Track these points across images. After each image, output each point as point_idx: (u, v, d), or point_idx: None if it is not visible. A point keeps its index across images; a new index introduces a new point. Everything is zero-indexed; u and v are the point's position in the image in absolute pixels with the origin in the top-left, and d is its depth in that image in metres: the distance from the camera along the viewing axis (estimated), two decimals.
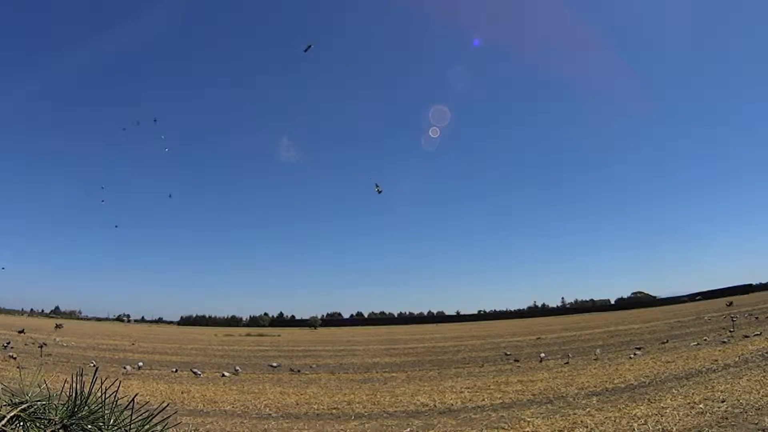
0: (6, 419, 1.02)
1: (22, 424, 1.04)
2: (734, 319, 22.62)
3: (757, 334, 15.39)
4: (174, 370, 15.90)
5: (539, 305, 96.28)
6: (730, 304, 35.69)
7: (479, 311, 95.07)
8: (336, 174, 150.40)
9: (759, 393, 7.57)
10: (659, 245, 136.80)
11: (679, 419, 6.57)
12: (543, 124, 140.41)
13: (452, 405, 9.22)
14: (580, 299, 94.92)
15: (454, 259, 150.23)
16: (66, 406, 1.09)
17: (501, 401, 9.25)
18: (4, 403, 1.08)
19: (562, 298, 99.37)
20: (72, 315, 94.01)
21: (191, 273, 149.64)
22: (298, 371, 15.85)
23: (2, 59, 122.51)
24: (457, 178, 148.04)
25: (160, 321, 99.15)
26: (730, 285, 67.04)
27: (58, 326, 36.11)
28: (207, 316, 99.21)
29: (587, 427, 6.76)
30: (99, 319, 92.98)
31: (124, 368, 15.12)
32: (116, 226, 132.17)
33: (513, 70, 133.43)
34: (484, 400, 9.49)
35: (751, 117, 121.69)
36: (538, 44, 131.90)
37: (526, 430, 6.98)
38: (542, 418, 7.55)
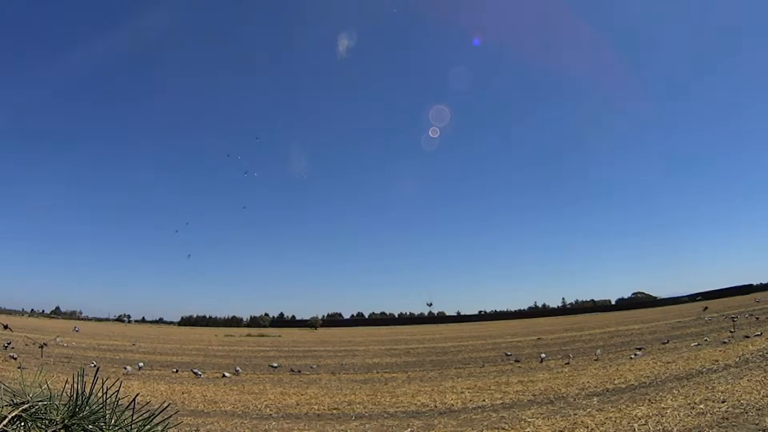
0: (7, 419, 1.02)
1: (23, 424, 1.04)
2: (734, 319, 22.61)
3: (758, 335, 15.38)
4: (174, 370, 15.91)
5: (540, 305, 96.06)
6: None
7: (480, 312, 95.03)
8: (335, 174, 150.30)
9: (759, 393, 7.57)
10: (660, 245, 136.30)
11: (680, 420, 6.57)
12: (543, 123, 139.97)
13: (453, 405, 9.22)
14: (580, 300, 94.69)
15: (454, 259, 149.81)
16: (67, 406, 1.09)
17: (502, 401, 9.26)
18: (6, 404, 1.08)
19: (563, 298, 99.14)
20: (72, 315, 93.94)
21: (192, 273, 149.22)
22: (299, 372, 15.85)
23: (6, 58, 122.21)
24: (457, 178, 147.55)
25: (160, 321, 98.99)
26: (731, 285, 67.10)
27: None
28: (207, 316, 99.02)
29: (588, 427, 6.76)
30: (99, 320, 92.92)
31: (125, 368, 15.13)
32: (189, 256, 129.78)
33: (513, 70, 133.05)
34: (484, 400, 9.49)
35: (752, 117, 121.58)
36: (538, 44, 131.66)
37: (527, 430, 6.98)
38: (543, 418, 7.55)
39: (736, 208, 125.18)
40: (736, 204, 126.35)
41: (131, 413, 1.11)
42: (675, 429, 6.21)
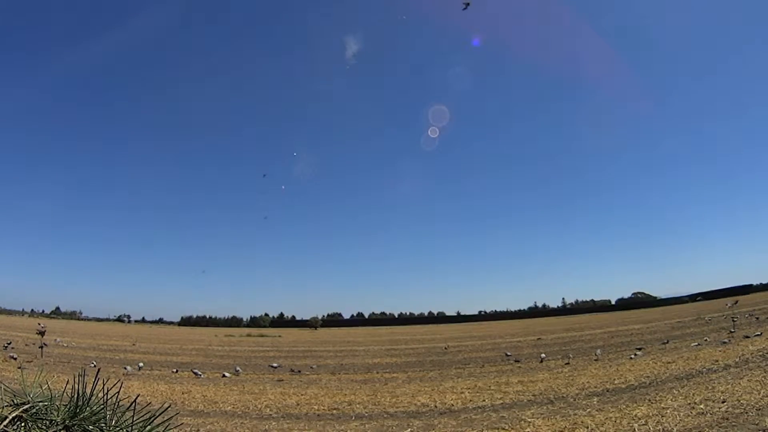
0: (8, 420, 1.02)
1: (24, 424, 1.04)
2: (735, 319, 22.60)
3: (758, 335, 15.37)
4: (174, 370, 15.91)
5: (540, 306, 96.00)
6: (736, 302, 35.35)
7: (480, 312, 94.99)
8: (335, 173, 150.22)
9: (759, 393, 7.56)
10: (659, 245, 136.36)
11: (680, 420, 6.57)
12: (542, 123, 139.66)
13: (453, 405, 9.21)
14: (580, 300, 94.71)
15: (454, 259, 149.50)
16: (68, 406, 1.09)
17: (502, 402, 9.25)
18: (6, 404, 1.08)
19: (563, 298, 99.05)
20: (72, 315, 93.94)
21: (192, 273, 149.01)
22: (299, 372, 15.85)
23: (5, 58, 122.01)
24: (456, 178, 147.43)
25: (160, 321, 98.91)
26: (730, 285, 67.11)
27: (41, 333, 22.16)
28: (207, 316, 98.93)
29: (588, 427, 6.76)
30: (99, 320, 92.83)
31: (125, 369, 15.13)
32: (203, 272, 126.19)
33: (513, 70, 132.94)
34: (484, 400, 9.49)
35: (752, 117, 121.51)
36: (538, 44, 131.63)
37: (527, 430, 6.98)
38: (543, 418, 7.55)
39: (735, 207, 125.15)
40: (735, 204, 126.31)
41: (132, 414, 1.11)
42: (675, 429, 6.20)
